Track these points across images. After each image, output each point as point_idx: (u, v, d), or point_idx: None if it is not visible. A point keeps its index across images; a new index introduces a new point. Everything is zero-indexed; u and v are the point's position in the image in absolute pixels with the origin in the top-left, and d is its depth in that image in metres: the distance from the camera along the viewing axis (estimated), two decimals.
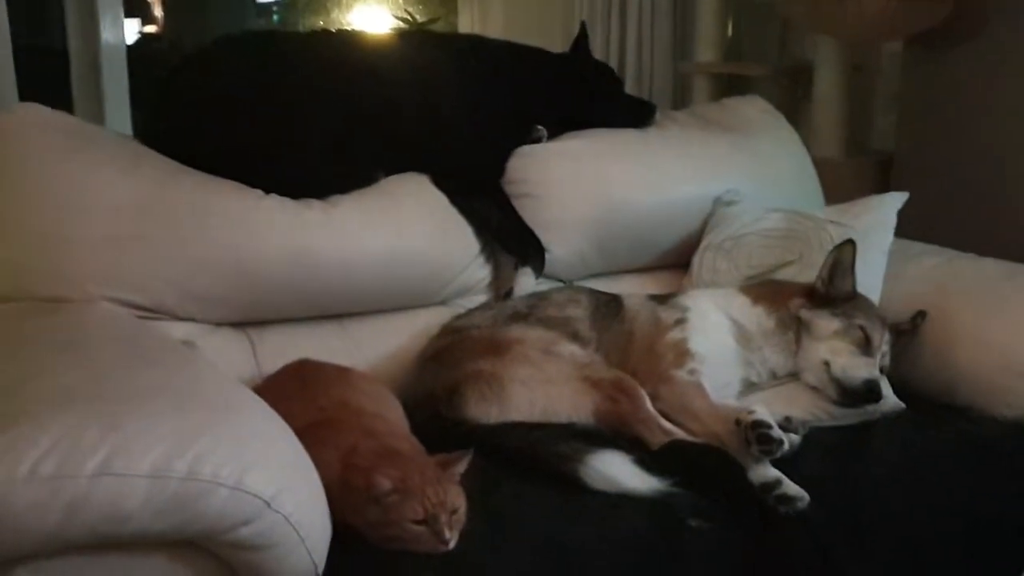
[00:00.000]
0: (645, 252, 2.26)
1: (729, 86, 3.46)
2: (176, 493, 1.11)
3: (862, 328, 1.81)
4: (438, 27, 3.78)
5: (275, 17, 4.67)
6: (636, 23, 3.53)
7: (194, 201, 1.74)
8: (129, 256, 1.68)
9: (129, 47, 3.29)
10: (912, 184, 2.37)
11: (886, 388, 1.83)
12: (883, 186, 2.81)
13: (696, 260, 2.20)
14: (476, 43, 2.29)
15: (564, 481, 1.51)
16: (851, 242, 1.87)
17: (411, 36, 2.49)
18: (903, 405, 1.84)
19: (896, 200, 2.15)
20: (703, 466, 1.56)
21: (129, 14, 3.35)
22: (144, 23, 4.24)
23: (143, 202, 1.70)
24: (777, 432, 1.54)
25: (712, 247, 2.19)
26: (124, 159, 1.76)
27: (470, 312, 1.99)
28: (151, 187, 1.73)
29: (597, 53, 3.25)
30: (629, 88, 3.40)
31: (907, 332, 1.95)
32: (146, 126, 1.91)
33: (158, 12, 4.32)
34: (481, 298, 2.08)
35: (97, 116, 3.12)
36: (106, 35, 3.14)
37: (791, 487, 1.51)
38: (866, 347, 1.81)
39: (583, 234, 2.15)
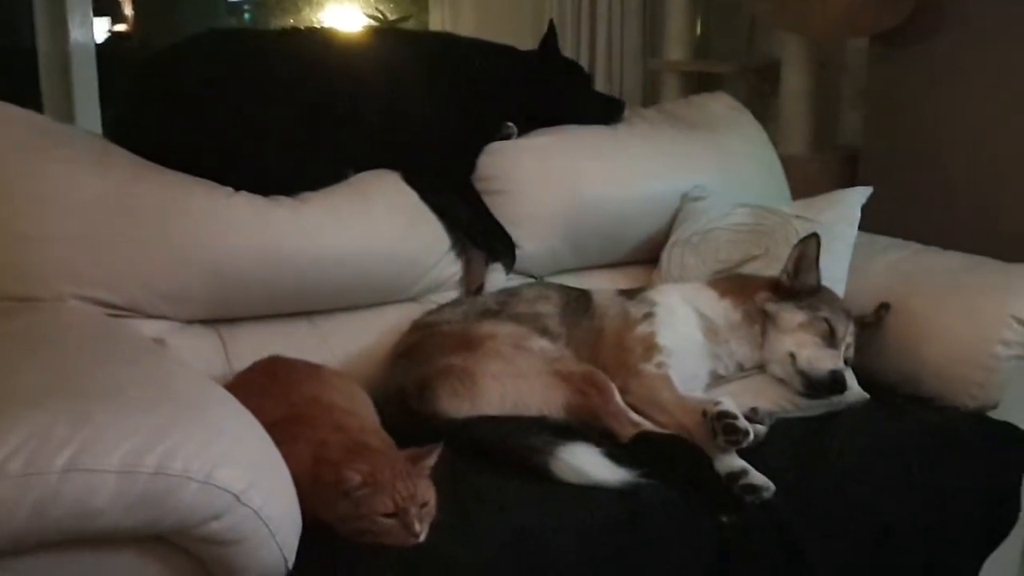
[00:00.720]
0: (615, 248, 2.29)
1: (698, 84, 3.49)
2: (146, 488, 1.11)
3: (827, 320, 1.84)
4: (409, 25, 3.78)
5: (246, 16, 4.65)
6: (606, 22, 3.55)
7: (164, 199, 1.74)
8: (99, 254, 1.68)
9: (99, 46, 3.27)
10: (878, 179, 2.41)
11: (851, 379, 1.86)
12: (850, 181, 2.84)
13: (665, 255, 2.22)
14: (446, 40, 2.31)
15: (535, 473, 1.53)
16: (815, 236, 1.90)
17: (381, 34, 2.50)
18: (868, 396, 1.87)
19: (860, 195, 2.18)
20: (671, 457, 1.58)
21: (99, 13, 3.32)
22: (114, 22, 4.20)
23: (113, 200, 1.70)
24: (743, 422, 1.57)
25: (680, 242, 2.21)
26: (94, 157, 1.76)
27: (441, 308, 2.01)
28: (121, 185, 1.72)
29: (568, 52, 3.28)
30: (600, 86, 3.44)
31: (871, 324, 1.98)
32: (116, 124, 1.91)
33: (128, 11, 4.29)
34: (452, 294, 2.09)
35: (67, 115, 3.10)
36: (75, 34, 3.12)
37: (757, 477, 1.53)
38: (831, 339, 1.84)
39: (553, 230, 2.17)
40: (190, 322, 1.81)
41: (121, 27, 4.24)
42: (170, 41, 1.98)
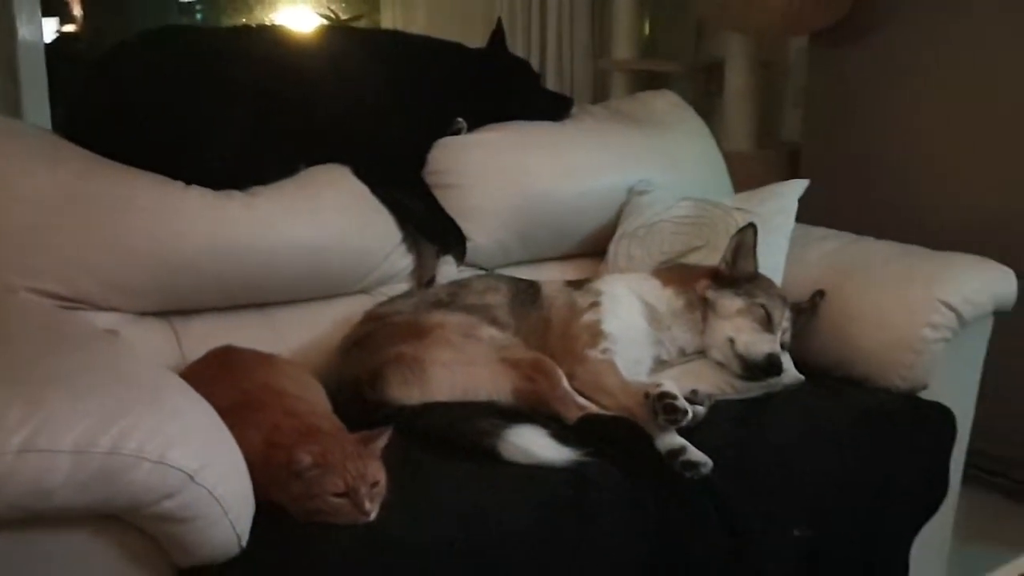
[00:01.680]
0: (564, 240, 2.34)
1: (646, 83, 3.57)
2: (100, 468, 1.14)
3: (764, 306, 1.91)
4: (361, 25, 3.80)
5: (198, 16, 4.64)
6: (556, 23, 3.61)
7: (116, 192, 1.76)
8: (51, 247, 1.70)
9: (47, 46, 3.25)
10: (817, 174, 2.49)
11: (787, 362, 1.93)
12: (791, 177, 2.90)
13: (612, 248, 2.28)
14: (395, 38, 2.35)
15: (484, 456, 1.57)
16: (752, 226, 1.97)
17: (331, 31, 2.53)
18: (803, 378, 1.95)
19: (797, 187, 2.26)
20: (613, 436, 1.63)
21: (47, 13, 3.31)
22: (63, 22, 4.17)
23: (65, 193, 1.72)
24: (682, 402, 1.63)
25: (627, 235, 2.28)
26: (45, 151, 1.78)
27: (392, 300, 2.04)
28: (72, 178, 1.74)
29: (518, 52, 3.32)
30: (551, 86, 3.49)
31: (807, 310, 2.06)
32: (67, 120, 1.92)
33: (77, 12, 4.26)
34: (404, 286, 2.13)
35: (15, 114, 3.07)
36: (23, 33, 3.10)
37: (695, 453, 1.59)
38: (768, 324, 1.91)
39: (503, 223, 2.22)
40: (143, 314, 1.83)
41: (70, 28, 4.20)
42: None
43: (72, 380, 1.25)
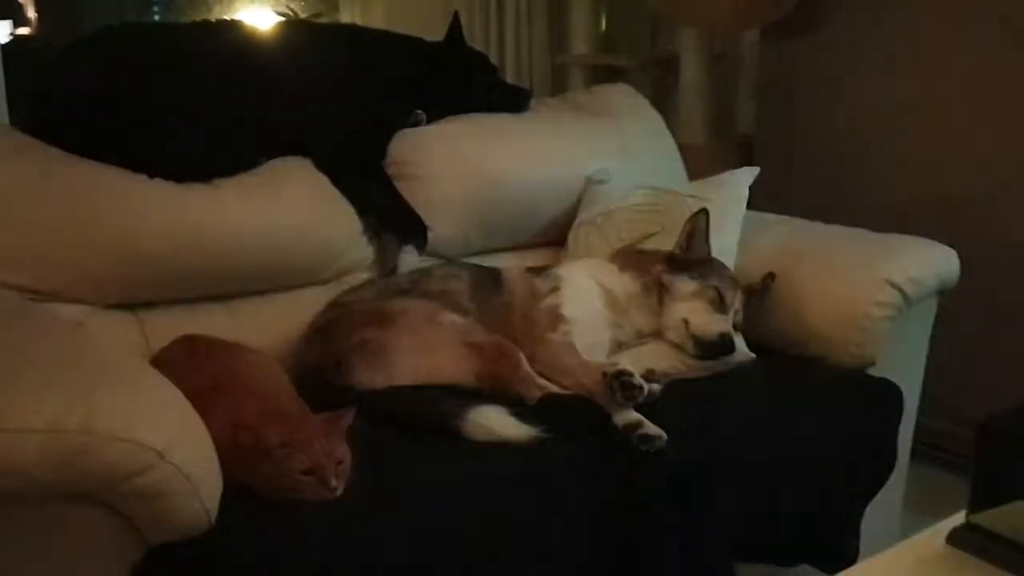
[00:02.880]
0: (524, 230, 2.39)
1: (604, 77, 3.62)
2: (71, 446, 1.17)
3: (716, 288, 1.98)
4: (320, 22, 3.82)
5: (155, 16, 4.63)
6: (513, 19, 3.66)
7: (79, 184, 1.79)
8: (15, 240, 1.72)
9: (2, 47, 3.25)
10: (771, 163, 2.57)
11: (740, 342, 1.99)
12: (745, 166, 3.01)
13: (571, 236, 2.34)
14: (353, 32, 2.39)
15: (447, 436, 1.61)
16: (704, 211, 2.04)
17: (290, 26, 2.57)
18: (754, 356, 2.00)
19: (748, 175, 2.33)
20: (572, 413, 1.69)
21: (1, 16, 3.30)
22: (16, 25, 4.15)
23: (28, 187, 1.74)
24: (638, 379, 1.68)
25: (585, 223, 2.33)
26: (7, 146, 1.80)
27: (355, 288, 2.07)
28: (35, 172, 1.76)
29: (478, 48, 3.37)
30: (510, 80, 3.54)
31: (759, 292, 2.12)
32: (28, 115, 1.94)
33: (31, 14, 4.23)
34: (366, 276, 2.16)
35: None
36: None
37: (651, 427, 1.65)
38: (720, 305, 1.97)
39: (463, 213, 2.26)
40: (108, 306, 1.85)
41: (24, 30, 4.18)
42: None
43: (40, 363, 1.28)
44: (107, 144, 1.84)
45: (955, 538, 1.18)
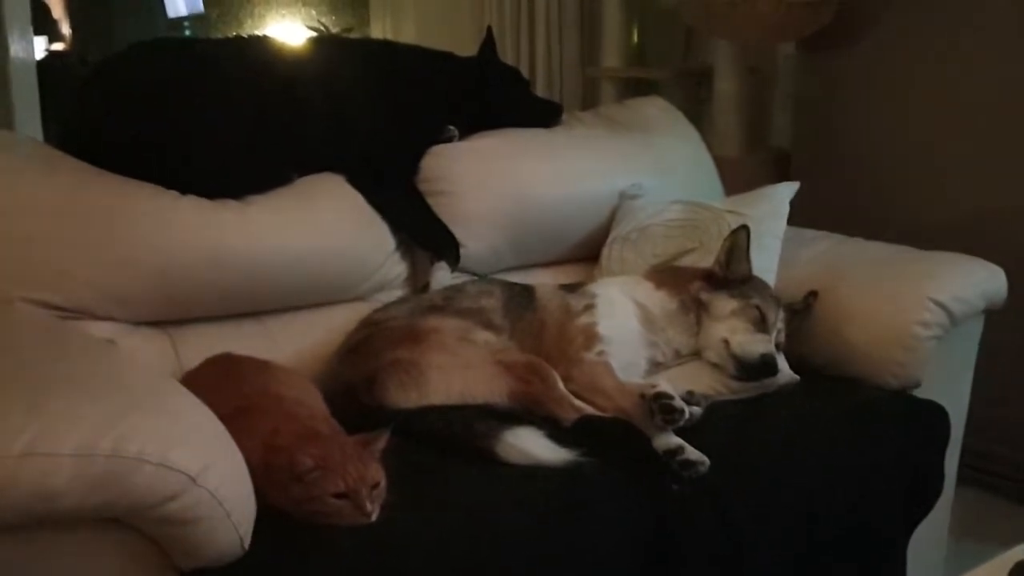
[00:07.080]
0: (556, 246, 2.36)
1: (635, 90, 3.59)
2: (102, 470, 1.14)
3: (758, 307, 1.93)
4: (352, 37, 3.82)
5: (187, 31, 4.66)
6: (544, 32, 3.63)
7: (111, 202, 1.77)
8: (46, 257, 1.71)
9: (38, 63, 3.27)
10: (808, 177, 2.52)
11: (782, 363, 1.94)
12: (782, 180, 2.96)
13: (605, 252, 2.30)
14: (386, 47, 2.37)
15: (482, 457, 1.58)
16: (745, 227, 1.99)
17: (323, 41, 2.55)
18: (798, 378, 1.96)
19: (788, 189, 2.28)
20: (610, 437, 1.64)
21: (36, 32, 3.32)
22: (51, 41, 4.19)
23: (60, 203, 1.73)
24: (678, 402, 1.64)
25: (619, 239, 2.29)
26: (41, 162, 1.79)
27: (387, 306, 2.05)
28: (69, 189, 1.75)
29: (509, 61, 3.35)
30: (541, 94, 3.51)
31: (801, 311, 2.07)
32: (63, 131, 1.93)
33: (65, 30, 4.27)
34: (398, 293, 2.14)
35: (8, 129, 3.09)
36: (15, 50, 3.12)
37: (693, 452, 1.60)
38: (762, 324, 1.92)
39: (496, 229, 2.23)
40: (139, 324, 1.83)
41: (59, 46, 4.22)
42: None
43: (72, 385, 1.25)
44: (139, 160, 1.83)
45: (1019, 573, 1.13)
